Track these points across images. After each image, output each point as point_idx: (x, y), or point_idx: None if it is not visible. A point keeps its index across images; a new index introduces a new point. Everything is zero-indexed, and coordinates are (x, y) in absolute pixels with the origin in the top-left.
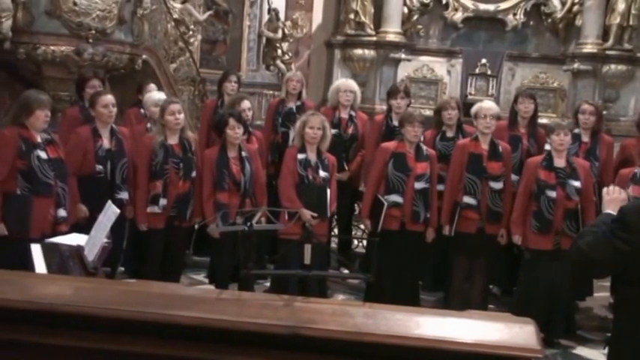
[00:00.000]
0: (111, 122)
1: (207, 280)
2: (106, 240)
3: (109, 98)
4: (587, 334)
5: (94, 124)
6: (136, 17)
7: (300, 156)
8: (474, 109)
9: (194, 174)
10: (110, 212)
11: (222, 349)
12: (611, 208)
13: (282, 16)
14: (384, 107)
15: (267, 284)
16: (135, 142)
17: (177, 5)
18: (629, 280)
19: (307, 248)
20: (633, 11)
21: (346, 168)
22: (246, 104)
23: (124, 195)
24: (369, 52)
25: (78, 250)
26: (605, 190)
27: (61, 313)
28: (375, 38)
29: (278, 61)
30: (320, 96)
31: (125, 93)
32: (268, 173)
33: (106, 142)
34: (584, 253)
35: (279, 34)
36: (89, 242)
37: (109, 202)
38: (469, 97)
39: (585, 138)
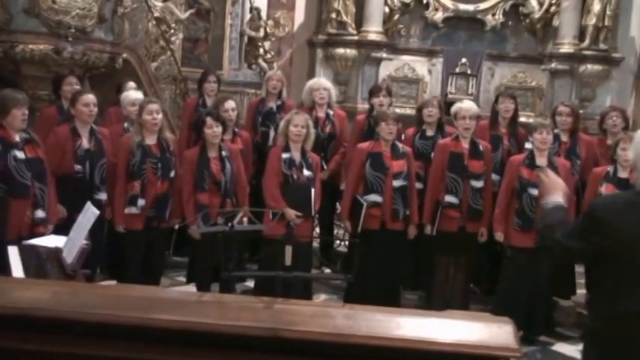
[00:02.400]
0: (91, 122)
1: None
2: (85, 241)
3: (90, 97)
4: (566, 330)
5: (73, 123)
6: (116, 16)
7: (285, 155)
8: (453, 110)
9: (172, 174)
10: (90, 213)
11: (204, 352)
12: (555, 195)
13: (264, 14)
14: (367, 106)
15: (249, 284)
16: (113, 142)
17: (159, 3)
18: (601, 270)
19: (288, 249)
20: (608, 12)
21: (325, 167)
22: (230, 104)
23: (102, 196)
24: (350, 52)
25: (56, 252)
26: (542, 176)
27: (39, 318)
28: (356, 37)
29: (260, 60)
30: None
31: (106, 92)
32: (249, 173)
33: (85, 142)
34: (566, 246)
35: (261, 33)
36: (68, 244)
37: (89, 203)
38: (449, 96)
39: (564, 138)
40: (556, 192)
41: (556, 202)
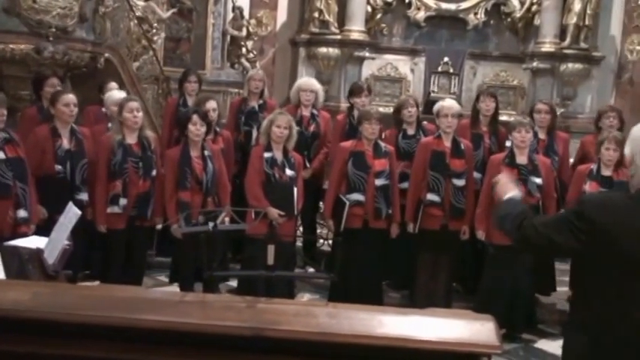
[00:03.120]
0: (71, 122)
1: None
2: (67, 242)
3: (71, 97)
4: (548, 328)
5: (52, 123)
6: (97, 15)
7: (267, 154)
8: (435, 108)
9: (154, 172)
10: (71, 214)
11: (187, 352)
12: (508, 193)
13: (246, 14)
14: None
15: (233, 283)
16: (95, 142)
17: (141, 3)
18: (587, 268)
19: (270, 249)
20: (589, 11)
21: (308, 166)
22: (211, 105)
23: (84, 196)
24: (333, 51)
25: (37, 253)
26: (494, 181)
27: (21, 319)
28: (339, 37)
29: (243, 60)
30: (285, 94)
31: (87, 92)
32: (231, 172)
33: (65, 142)
34: (546, 237)
35: (244, 33)
36: (49, 245)
37: (70, 203)
38: (432, 94)
39: (542, 135)
40: (510, 190)
41: (511, 196)
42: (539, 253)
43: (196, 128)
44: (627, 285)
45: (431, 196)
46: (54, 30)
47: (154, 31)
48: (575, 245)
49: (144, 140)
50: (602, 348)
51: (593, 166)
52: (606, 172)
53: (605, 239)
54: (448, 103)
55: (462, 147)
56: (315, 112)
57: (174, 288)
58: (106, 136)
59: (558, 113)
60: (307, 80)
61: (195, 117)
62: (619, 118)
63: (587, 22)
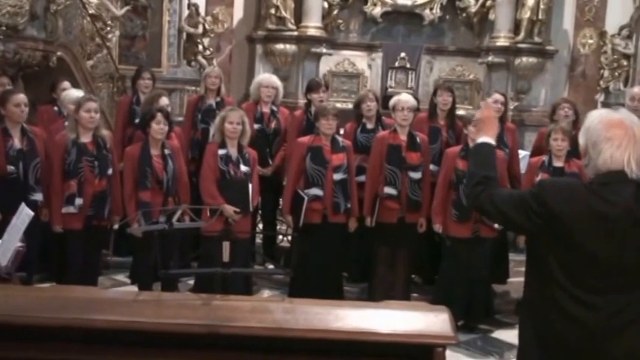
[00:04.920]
0: (22, 122)
1: (129, 281)
2: (20, 244)
3: (21, 97)
4: (505, 318)
5: (3, 123)
6: (49, 13)
7: (221, 151)
8: (391, 102)
9: (110, 171)
10: (24, 215)
11: (141, 351)
12: (486, 133)
13: (202, 11)
14: None
15: (192, 281)
16: (50, 141)
17: (94, 0)
18: (539, 250)
19: (225, 246)
20: (542, 6)
21: (270, 163)
22: (164, 101)
23: (38, 196)
24: (290, 47)
25: None
26: (475, 118)
27: None
28: (296, 33)
29: (199, 57)
30: (242, 91)
31: (39, 91)
32: (189, 170)
33: (17, 142)
34: (503, 213)
35: (200, 30)
36: (2, 246)
37: (23, 204)
38: (389, 89)
39: None
40: (489, 130)
41: (485, 140)
42: (493, 221)
43: (160, 127)
44: (576, 269)
45: (388, 190)
46: (4, 28)
47: (108, 28)
48: (529, 227)
49: (99, 139)
50: (551, 327)
51: (545, 158)
52: (558, 163)
53: (558, 225)
54: (404, 97)
55: (418, 140)
56: (275, 108)
57: (134, 288)
58: (60, 135)
59: (513, 107)
60: (268, 77)
61: (159, 116)
62: (574, 110)
63: (540, 17)
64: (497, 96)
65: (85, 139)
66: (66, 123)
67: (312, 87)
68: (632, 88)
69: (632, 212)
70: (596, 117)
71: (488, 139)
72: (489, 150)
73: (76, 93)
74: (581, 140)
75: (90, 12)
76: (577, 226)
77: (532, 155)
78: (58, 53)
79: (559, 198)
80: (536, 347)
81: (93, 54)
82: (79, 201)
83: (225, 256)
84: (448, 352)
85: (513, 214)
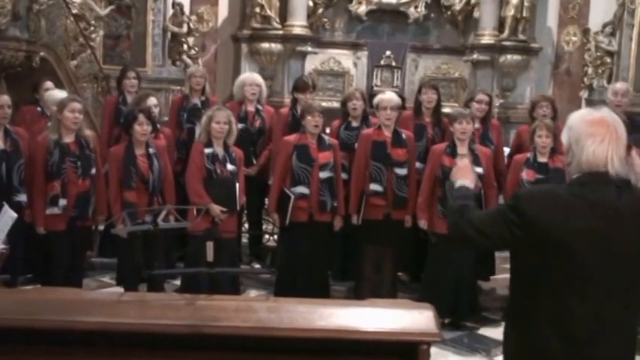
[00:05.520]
0: (5, 123)
1: (114, 282)
2: (3, 246)
3: (5, 99)
4: (491, 314)
5: None
6: (31, 13)
7: (207, 150)
8: (375, 101)
9: (93, 171)
10: (7, 217)
11: (126, 352)
12: (463, 179)
13: (186, 10)
14: None
15: (179, 282)
16: (32, 142)
17: (77, 0)
18: (523, 259)
19: (209, 245)
20: (526, 3)
21: (254, 162)
22: (152, 101)
23: (22, 197)
24: (275, 46)
25: None
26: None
27: None
28: (281, 32)
29: (184, 56)
30: (228, 90)
31: (22, 91)
32: (175, 170)
33: (0, 143)
34: (482, 231)
35: (185, 29)
36: None
37: (6, 206)
38: (375, 88)
39: (476, 124)
40: (466, 177)
41: (462, 183)
42: (476, 249)
43: (142, 128)
44: (561, 276)
45: (374, 186)
46: None
47: (92, 28)
48: (510, 238)
49: (82, 139)
50: (537, 336)
51: (530, 155)
52: (542, 159)
53: (539, 234)
54: (387, 96)
55: (403, 137)
56: (259, 107)
57: (119, 289)
58: (42, 136)
59: (498, 104)
60: (251, 75)
61: (141, 117)
62: (552, 107)
63: (524, 14)
64: (482, 96)
65: (68, 139)
66: (49, 124)
67: (299, 86)
68: (615, 83)
69: (614, 213)
70: (578, 116)
71: (465, 182)
72: (467, 190)
73: (59, 93)
74: (564, 139)
75: (73, 12)
76: (559, 233)
77: (511, 154)
78: (41, 53)
79: (537, 206)
80: (521, 356)
81: (77, 54)
82: (62, 202)
83: (209, 256)
84: (435, 350)
85: (494, 229)
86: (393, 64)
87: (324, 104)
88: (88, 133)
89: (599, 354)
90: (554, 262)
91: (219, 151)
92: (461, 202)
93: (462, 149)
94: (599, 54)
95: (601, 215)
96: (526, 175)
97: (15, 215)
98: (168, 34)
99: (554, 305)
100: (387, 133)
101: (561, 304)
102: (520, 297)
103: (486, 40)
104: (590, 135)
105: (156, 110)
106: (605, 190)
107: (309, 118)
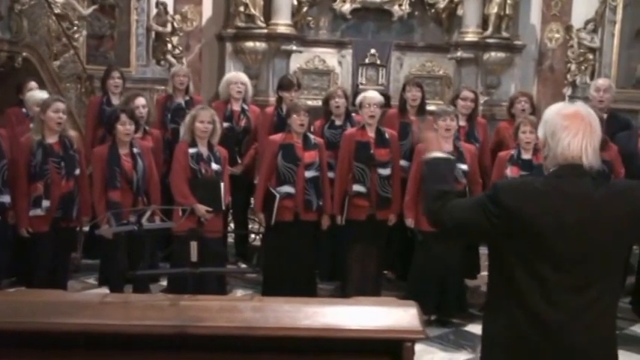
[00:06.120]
0: None
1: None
2: None
3: None
4: (477, 311)
5: None
6: (13, 13)
7: (192, 150)
8: (358, 99)
9: (77, 172)
10: None
11: (109, 353)
12: (435, 150)
13: (170, 9)
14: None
15: (165, 282)
16: (15, 143)
17: (59, 0)
18: (500, 251)
19: (193, 245)
20: (509, 1)
21: (240, 161)
22: (140, 101)
23: (5, 198)
24: (260, 45)
25: None
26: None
27: None
28: (265, 30)
29: (169, 56)
30: (213, 89)
31: (5, 92)
32: (160, 171)
33: None
34: (460, 221)
35: (169, 28)
36: None
37: None
38: (360, 86)
39: (462, 122)
40: (438, 147)
41: (435, 155)
42: (454, 238)
43: (125, 128)
44: (539, 267)
45: (357, 187)
46: None
47: (75, 28)
48: (489, 228)
49: (65, 140)
50: (516, 327)
51: (514, 151)
52: (526, 155)
53: (516, 224)
54: (370, 94)
55: (387, 136)
56: (245, 106)
57: (104, 291)
58: (25, 137)
59: (483, 101)
60: (236, 74)
61: (123, 116)
62: (530, 103)
63: (507, 12)
64: (467, 93)
65: (51, 140)
66: (31, 125)
67: (284, 85)
68: (597, 80)
69: (590, 204)
70: (554, 109)
71: (437, 153)
72: (441, 162)
73: (40, 94)
74: (540, 133)
75: (56, 11)
76: (535, 223)
77: (492, 150)
78: (24, 54)
79: (514, 196)
80: (499, 348)
81: (60, 54)
82: (45, 203)
83: (194, 256)
84: (421, 347)
85: (472, 218)
86: (378, 62)
87: (309, 103)
88: (71, 133)
89: (574, 341)
90: (530, 252)
91: (204, 150)
92: (440, 187)
93: (446, 146)
94: (581, 51)
95: (577, 206)
96: (510, 171)
97: None
98: (152, 34)
99: (530, 294)
100: (371, 133)
101: (537, 293)
102: (497, 286)
103: (470, 37)
104: (565, 128)
105: (144, 111)
106: (580, 182)
107: (294, 117)
